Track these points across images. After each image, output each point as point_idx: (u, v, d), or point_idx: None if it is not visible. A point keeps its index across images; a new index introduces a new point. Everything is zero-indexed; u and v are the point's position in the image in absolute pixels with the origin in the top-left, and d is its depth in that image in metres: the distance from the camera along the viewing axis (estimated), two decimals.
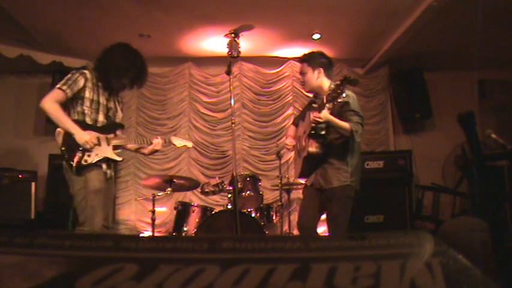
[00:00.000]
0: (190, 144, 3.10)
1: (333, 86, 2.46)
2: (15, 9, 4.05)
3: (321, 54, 2.87)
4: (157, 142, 2.83)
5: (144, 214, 5.13)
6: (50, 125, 3.73)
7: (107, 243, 0.54)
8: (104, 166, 2.65)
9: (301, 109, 3.82)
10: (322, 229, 4.13)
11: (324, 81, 2.79)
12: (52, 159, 4.66)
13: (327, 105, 2.54)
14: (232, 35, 2.79)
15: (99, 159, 2.60)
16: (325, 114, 2.55)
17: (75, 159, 2.53)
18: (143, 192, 5.06)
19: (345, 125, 2.59)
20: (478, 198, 3.84)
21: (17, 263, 0.50)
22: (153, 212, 3.88)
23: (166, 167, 5.36)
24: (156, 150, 2.89)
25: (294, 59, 5.46)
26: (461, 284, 0.48)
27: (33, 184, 4.50)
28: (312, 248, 0.54)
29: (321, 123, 2.58)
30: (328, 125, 2.63)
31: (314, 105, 2.82)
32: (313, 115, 2.57)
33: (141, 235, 4.85)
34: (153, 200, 3.89)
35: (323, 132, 2.69)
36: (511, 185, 4.01)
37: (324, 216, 2.85)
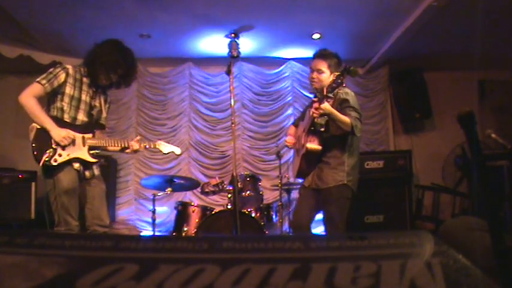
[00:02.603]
0: (178, 151, 2.98)
1: (333, 78, 2.48)
2: (15, 9, 4.05)
3: (336, 56, 2.84)
4: (136, 146, 2.74)
5: (144, 214, 5.13)
6: None
7: (107, 243, 0.54)
8: (77, 165, 2.56)
9: (301, 109, 3.82)
10: (320, 229, 4.13)
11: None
12: None
13: (328, 100, 2.55)
14: (232, 35, 2.78)
15: (69, 159, 2.52)
16: (326, 105, 2.54)
17: (43, 158, 2.44)
18: (143, 192, 5.06)
19: (345, 118, 2.58)
20: (478, 198, 3.84)
21: (17, 263, 0.49)
22: (153, 212, 3.88)
23: (167, 167, 5.37)
24: (137, 150, 2.79)
25: (294, 59, 5.48)
26: (461, 284, 0.48)
27: (33, 184, 4.49)
28: (312, 248, 0.54)
29: (321, 115, 2.57)
30: (329, 118, 2.62)
31: (315, 99, 2.82)
32: (314, 105, 2.57)
33: (141, 235, 4.85)
34: (153, 200, 3.90)
35: (322, 129, 2.69)
36: (511, 185, 4.01)
37: (321, 217, 2.85)
